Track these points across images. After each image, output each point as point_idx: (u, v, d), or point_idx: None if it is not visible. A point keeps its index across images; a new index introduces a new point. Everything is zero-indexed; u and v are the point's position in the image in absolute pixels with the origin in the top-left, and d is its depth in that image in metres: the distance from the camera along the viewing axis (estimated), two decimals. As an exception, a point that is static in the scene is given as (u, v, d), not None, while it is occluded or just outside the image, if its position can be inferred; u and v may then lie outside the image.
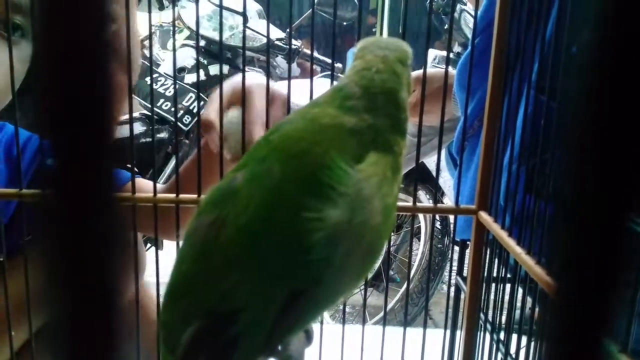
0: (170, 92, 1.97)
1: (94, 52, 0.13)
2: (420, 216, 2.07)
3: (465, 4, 1.88)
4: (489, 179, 0.60)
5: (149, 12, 0.58)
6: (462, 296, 0.67)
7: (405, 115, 0.40)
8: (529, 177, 0.53)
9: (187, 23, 2.10)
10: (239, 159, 0.42)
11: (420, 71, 0.66)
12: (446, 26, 1.96)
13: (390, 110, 0.38)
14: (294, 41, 2.11)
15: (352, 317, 2.09)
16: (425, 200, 2.00)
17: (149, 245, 1.80)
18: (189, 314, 0.36)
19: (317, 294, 0.35)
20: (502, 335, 0.59)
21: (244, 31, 0.58)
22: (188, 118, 1.95)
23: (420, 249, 2.11)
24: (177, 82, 1.98)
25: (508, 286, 0.58)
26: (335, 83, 0.42)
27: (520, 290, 0.55)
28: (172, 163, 1.91)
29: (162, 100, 1.96)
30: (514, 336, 0.56)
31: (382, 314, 1.91)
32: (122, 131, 0.37)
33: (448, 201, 1.88)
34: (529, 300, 0.52)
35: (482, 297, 0.62)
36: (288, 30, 0.63)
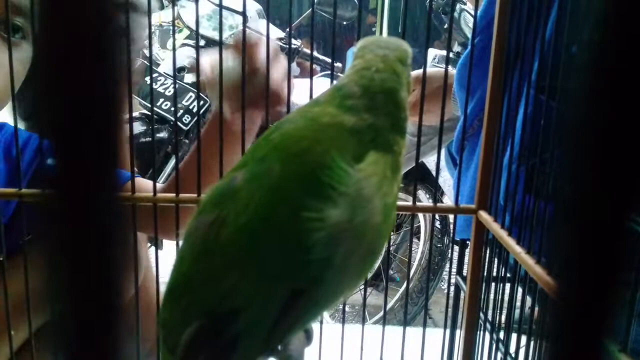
0: (169, 92, 1.97)
1: (95, 51, 0.13)
2: (420, 215, 2.07)
3: (465, 4, 1.88)
4: (488, 178, 0.60)
5: (149, 11, 0.58)
6: (462, 295, 0.67)
7: (405, 114, 0.40)
8: (528, 177, 0.53)
9: (187, 23, 2.10)
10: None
11: (420, 71, 0.66)
12: (446, 26, 1.96)
13: (390, 110, 0.38)
14: (293, 41, 2.11)
15: (351, 316, 2.09)
16: (425, 199, 2.00)
17: (149, 244, 1.80)
18: (188, 313, 0.36)
19: (317, 294, 0.35)
20: (501, 335, 0.59)
21: (243, 31, 0.58)
22: (188, 118, 1.94)
23: (419, 248, 2.11)
24: (177, 81, 1.98)
25: (508, 286, 0.58)
26: (335, 82, 0.42)
27: (520, 290, 0.55)
28: (172, 163, 1.91)
29: (161, 100, 1.96)
30: (514, 335, 0.56)
31: (381, 313, 1.91)
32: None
33: (448, 200, 1.88)
34: (529, 299, 0.52)
35: (482, 297, 0.62)
36: (288, 29, 0.63)
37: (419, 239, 2.14)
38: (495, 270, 0.61)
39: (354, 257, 0.35)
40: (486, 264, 0.61)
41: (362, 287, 0.64)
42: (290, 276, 0.35)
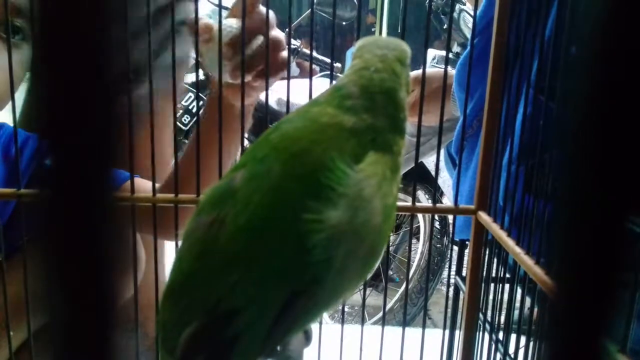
0: (169, 92, 1.96)
1: (94, 52, 0.13)
2: (420, 216, 2.07)
3: (464, 4, 1.88)
4: (488, 178, 0.60)
5: (148, 11, 0.58)
6: (461, 296, 0.67)
7: (404, 114, 0.40)
8: (528, 177, 0.53)
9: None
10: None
11: (420, 71, 0.66)
12: (445, 26, 1.96)
13: (389, 110, 0.38)
14: (293, 41, 2.11)
15: (351, 317, 2.09)
16: (424, 200, 2.00)
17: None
18: (187, 313, 0.36)
19: (317, 295, 0.35)
20: (500, 335, 0.59)
21: (242, 31, 0.58)
22: (187, 118, 1.94)
23: (419, 248, 2.12)
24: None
25: (507, 286, 0.58)
26: (334, 82, 0.42)
27: (519, 290, 0.55)
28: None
29: (161, 100, 1.95)
30: (513, 336, 0.56)
31: (381, 313, 1.91)
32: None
33: (447, 201, 1.88)
34: (528, 300, 0.52)
35: (481, 297, 0.62)
36: (287, 29, 0.63)
37: (418, 239, 2.14)
38: (494, 270, 0.61)
39: (354, 258, 0.35)
40: (485, 264, 0.61)
41: (362, 287, 0.64)
42: (289, 277, 0.35)
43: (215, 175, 0.59)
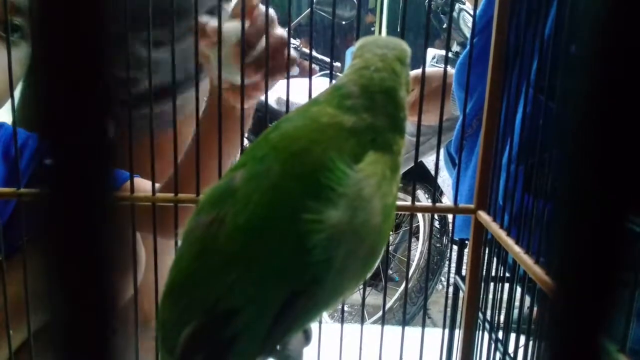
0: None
1: (92, 51, 0.13)
2: (419, 215, 2.07)
3: (464, 3, 1.88)
4: (487, 178, 0.60)
5: (149, 11, 0.58)
6: (461, 295, 0.67)
7: (404, 114, 0.40)
8: (527, 177, 0.53)
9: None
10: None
11: (419, 70, 0.66)
12: (445, 25, 1.96)
13: (389, 109, 0.38)
14: (292, 40, 2.11)
15: (350, 316, 2.09)
16: (424, 199, 2.00)
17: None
18: (187, 313, 0.36)
19: (317, 294, 0.35)
20: (500, 335, 0.59)
21: (242, 31, 0.58)
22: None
23: (419, 248, 2.12)
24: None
25: (507, 285, 0.58)
26: (334, 82, 0.42)
27: (519, 290, 0.55)
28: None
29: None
30: (513, 335, 0.56)
31: (380, 313, 1.91)
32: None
33: (447, 200, 1.88)
34: (528, 299, 0.52)
35: (481, 297, 0.62)
36: (287, 29, 0.63)
37: (417, 238, 2.15)
38: (494, 270, 0.61)
39: (354, 258, 0.35)
40: (485, 263, 0.61)
41: (361, 286, 0.64)
42: (289, 277, 0.35)
43: (215, 175, 0.59)
